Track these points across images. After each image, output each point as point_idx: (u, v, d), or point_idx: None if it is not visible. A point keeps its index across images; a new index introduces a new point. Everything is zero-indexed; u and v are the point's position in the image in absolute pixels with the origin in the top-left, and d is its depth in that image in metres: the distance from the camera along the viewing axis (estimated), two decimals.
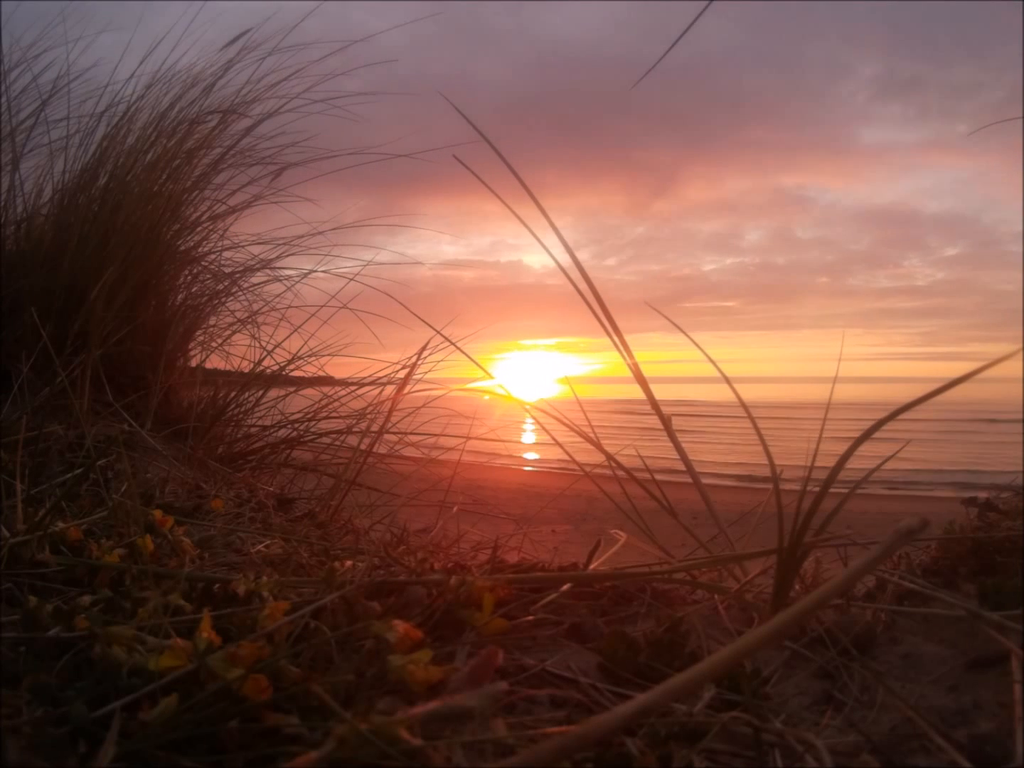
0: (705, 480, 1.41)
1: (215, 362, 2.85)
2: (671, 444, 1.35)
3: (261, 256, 2.80)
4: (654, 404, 1.33)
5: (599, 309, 1.31)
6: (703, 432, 23.74)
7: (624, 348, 1.31)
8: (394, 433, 2.41)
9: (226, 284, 2.81)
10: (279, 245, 2.81)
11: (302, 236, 2.79)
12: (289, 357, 2.70)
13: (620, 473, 1.40)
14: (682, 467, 1.35)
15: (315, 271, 2.76)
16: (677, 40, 1.24)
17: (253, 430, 2.61)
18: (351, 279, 2.71)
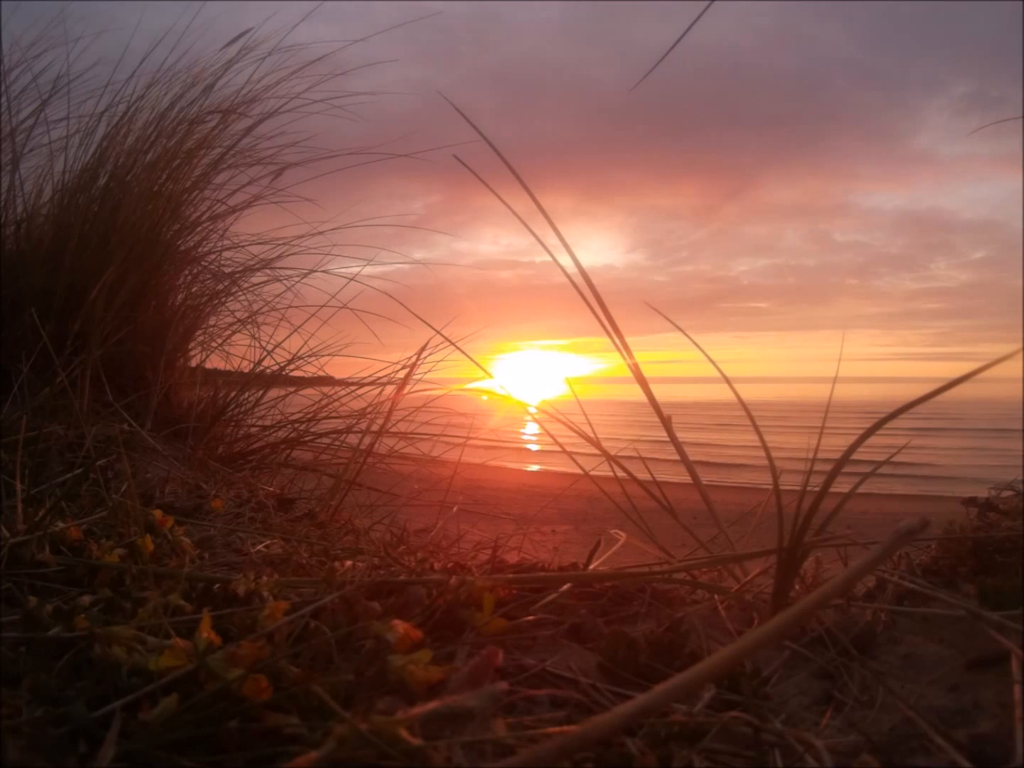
0: (705, 480, 1.41)
1: (215, 362, 2.85)
2: (672, 444, 1.35)
3: (261, 256, 2.81)
4: (654, 404, 1.33)
5: (599, 309, 1.31)
6: (706, 432, 23.76)
7: (624, 348, 1.31)
8: (394, 433, 2.41)
9: (226, 284, 2.81)
10: (279, 245, 2.81)
11: (302, 236, 2.79)
12: (289, 357, 2.70)
13: (620, 473, 1.40)
14: (682, 467, 1.35)
15: (314, 271, 2.76)
16: (674, 45, 1.24)
17: (253, 430, 2.61)
18: (349, 280, 2.71)
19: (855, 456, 0.98)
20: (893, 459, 1.35)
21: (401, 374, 2.46)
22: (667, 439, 1.35)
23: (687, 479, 1.35)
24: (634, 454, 1.59)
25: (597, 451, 1.40)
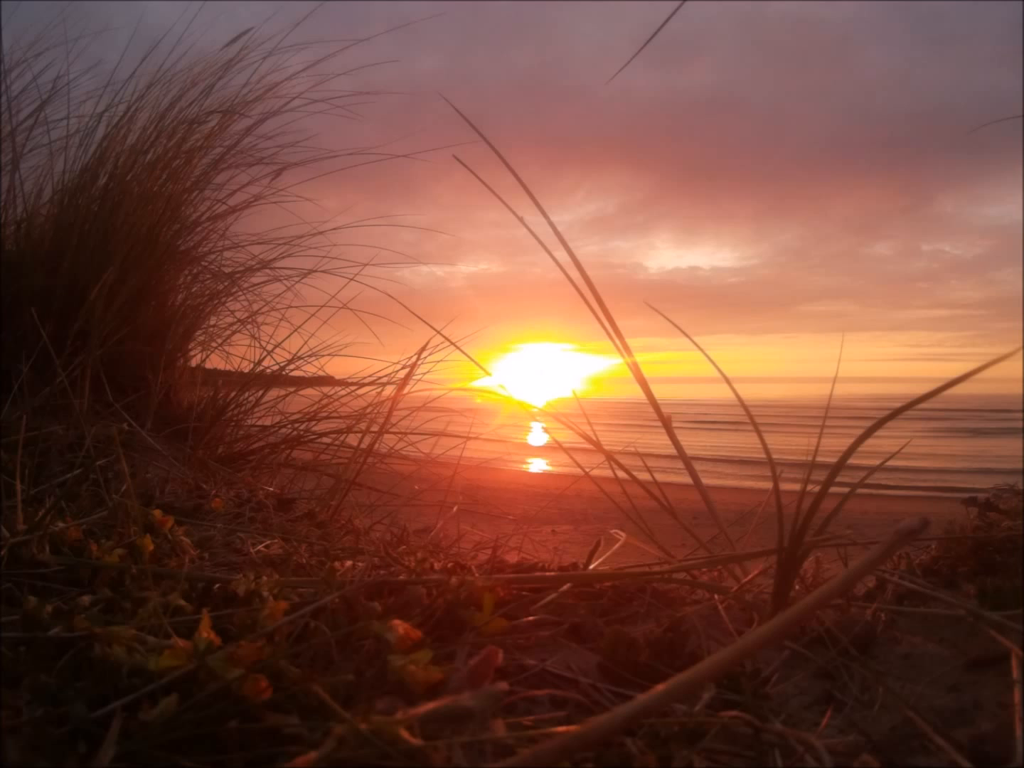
0: (705, 480, 1.41)
1: (215, 362, 2.85)
2: (672, 443, 1.35)
3: (261, 256, 2.81)
4: (653, 403, 1.33)
5: (599, 308, 1.31)
6: (710, 431, 23.76)
7: (623, 347, 1.31)
8: (394, 433, 2.41)
9: (226, 284, 2.80)
10: (279, 245, 2.81)
11: (302, 236, 2.79)
12: (289, 357, 2.70)
13: (620, 473, 1.40)
14: (683, 466, 1.35)
15: (314, 271, 2.75)
16: (652, 37, 1.25)
17: (253, 430, 2.61)
18: (350, 280, 2.70)
19: (854, 456, 0.98)
20: (894, 459, 1.35)
21: (401, 374, 2.46)
22: (669, 438, 1.35)
23: (687, 479, 1.35)
24: (634, 454, 1.59)
25: (598, 451, 1.40)
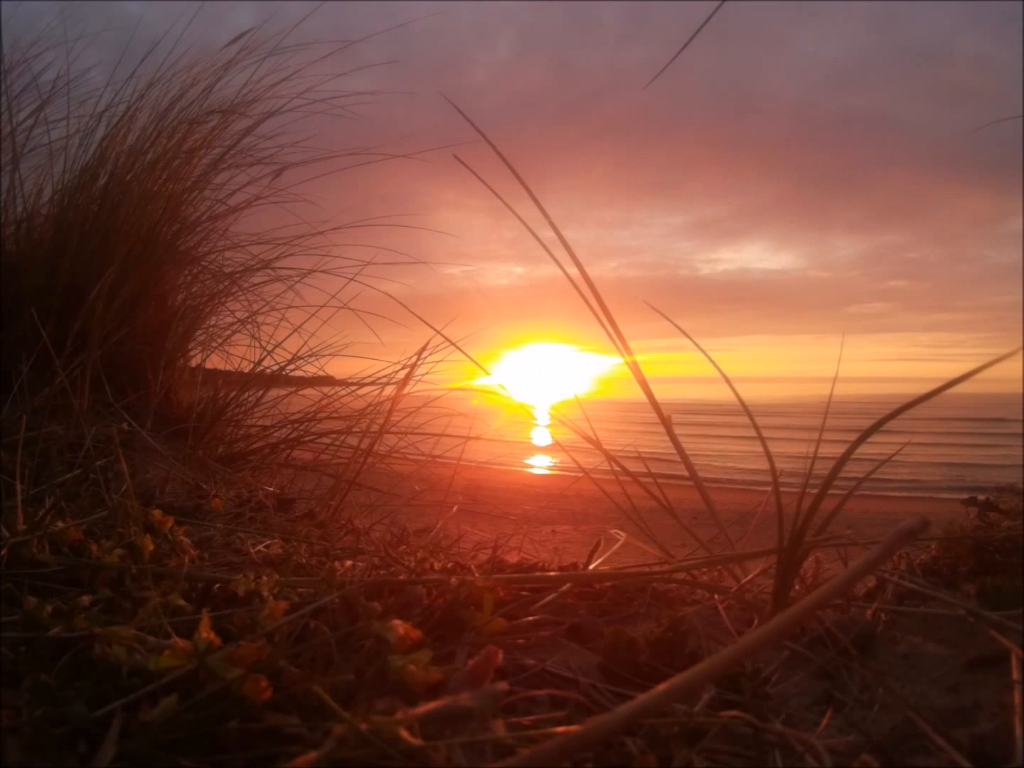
0: (706, 480, 1.41)
1: (215, 362, 2.85)
2: (672, 443, 1.35)
3: (261, 256, 2.80)
4: (653, 403, 1.33)
5: (599, 308, 1.31)
6: (711, 432, 23.76)
7: (623, 346, 1.31)
8: (394, 433, 2.40)
9: (226, 284, 2.80)
10: (279, 245, 2.81)
11: (302, 236, 2.79)
12: (289, 357, 2.70)
13: (620, 473, 1.40)
14: (683, 466, 1.35)
15: (314, 271, 2.75)
16: (689, 40, 1.25)
17: (253, 430, 2.61)
18: (350, 279, 2.70)
19: (855, 455, 0.98)
20: (894, 460, 1.35)
21: (401, 374, 2.46)
22: (670, 437, 1.34)
23: (687, 479, 1.35)
24: (634, 454, 1.59)
25: (598, 451, 1.40)
